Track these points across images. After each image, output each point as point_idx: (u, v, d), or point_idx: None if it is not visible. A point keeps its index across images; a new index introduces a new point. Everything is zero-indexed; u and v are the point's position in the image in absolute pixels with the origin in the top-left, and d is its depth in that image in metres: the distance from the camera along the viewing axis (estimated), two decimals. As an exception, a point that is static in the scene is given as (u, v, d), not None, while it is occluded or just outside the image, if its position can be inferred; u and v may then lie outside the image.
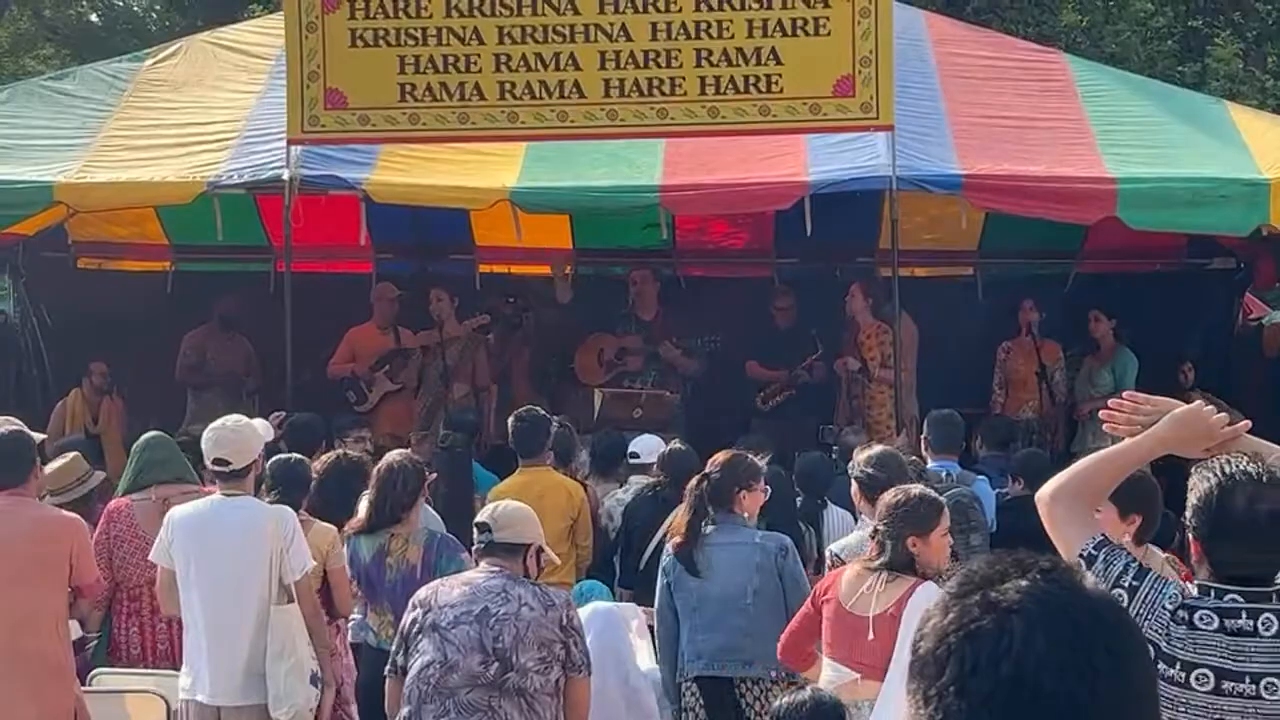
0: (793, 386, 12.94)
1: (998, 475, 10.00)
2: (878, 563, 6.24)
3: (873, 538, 6.40)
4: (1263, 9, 23.50)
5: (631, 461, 9.92)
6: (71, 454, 9.49)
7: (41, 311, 14.43)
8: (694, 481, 7.60)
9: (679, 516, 7.62)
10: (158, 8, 28.56)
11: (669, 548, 7.59)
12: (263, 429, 7.59)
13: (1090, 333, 13.08)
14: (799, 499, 9.28)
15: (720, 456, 7.66)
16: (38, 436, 7.99)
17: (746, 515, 7.56)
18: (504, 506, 6.36)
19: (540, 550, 6.38)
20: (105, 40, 25.79)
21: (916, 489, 6.53)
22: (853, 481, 7.48)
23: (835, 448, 11.41)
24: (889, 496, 6.42)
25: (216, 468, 7.21)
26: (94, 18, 28.96)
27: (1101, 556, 3.88)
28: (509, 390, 13.18)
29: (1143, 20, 21.19)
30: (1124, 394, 4.25)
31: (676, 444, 9.47)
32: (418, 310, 13.20)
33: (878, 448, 7.77)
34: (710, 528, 7.46)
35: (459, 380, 12.91)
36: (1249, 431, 4.10)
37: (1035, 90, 12.48)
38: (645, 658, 7.62)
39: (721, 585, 7.36)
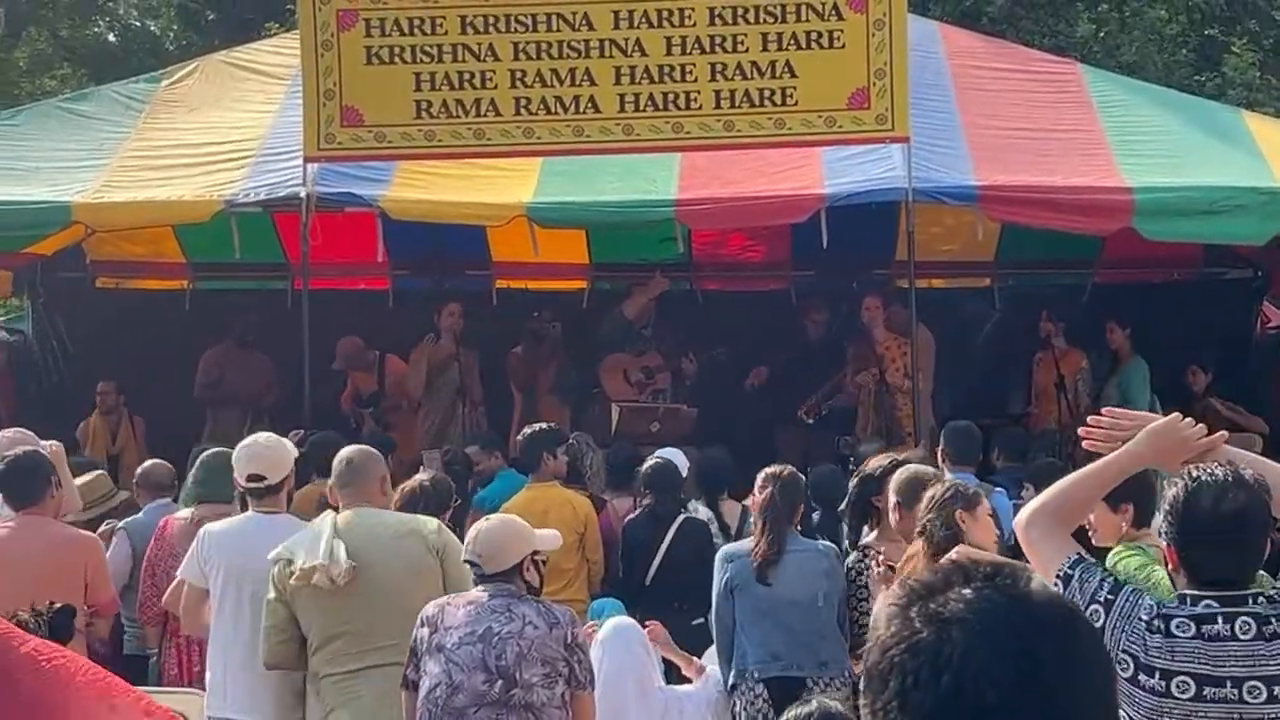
0: (833, 397, 12.93)
1: (1014, 487, 9.98)
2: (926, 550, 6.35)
3: (920, 534, 6.46)
4: (1279, 17, 23.46)
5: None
6: (96, 472, 9.61)
7: (60, 331, 14.48)
8: (765, 498, 7.75)
9: (757, 533, 7.75)
10: (175, 28, 28.61)
11: (750, 560, 7.70)
12: (292, 447, 7.60)
13: (1108, 344, 13.03)
14: (815, 513, 9.30)
15: (779, 474, 7.86)
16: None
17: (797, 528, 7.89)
18: (483, 536, 6.22)
19: (535, 555, 6.34)
20: (122, 61, 25.84)
21: (949, 479, 6.86)
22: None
23: (852, 459, 11.40)
24: (929, 491, 6.56)
25: (250, 484, 7.21)
26: (111, 38, 29.05)
27: (1077, 575, 3.91)
28: (534, 404, 13.19)
29: (1157, 29, 21.15)
30: (1103, 410, 4.27)
31: (656, 459, 9.52)
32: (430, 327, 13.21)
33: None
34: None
35: (472, 396, 12.98)
36: (1262, 440, 4.13)
37: (1051, 101, 12.47)
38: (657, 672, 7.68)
39: (792, 590, 7.61)
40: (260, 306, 13.87)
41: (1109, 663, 1.89)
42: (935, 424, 11.28)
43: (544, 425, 9.79)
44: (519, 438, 9.66)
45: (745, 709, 7.61)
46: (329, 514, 6.86)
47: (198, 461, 8.46)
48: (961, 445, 9.59)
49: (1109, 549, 6.34)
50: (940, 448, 9.62)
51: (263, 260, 13.62)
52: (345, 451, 7.22)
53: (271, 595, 6.73)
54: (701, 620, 8.16)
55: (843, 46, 10.66)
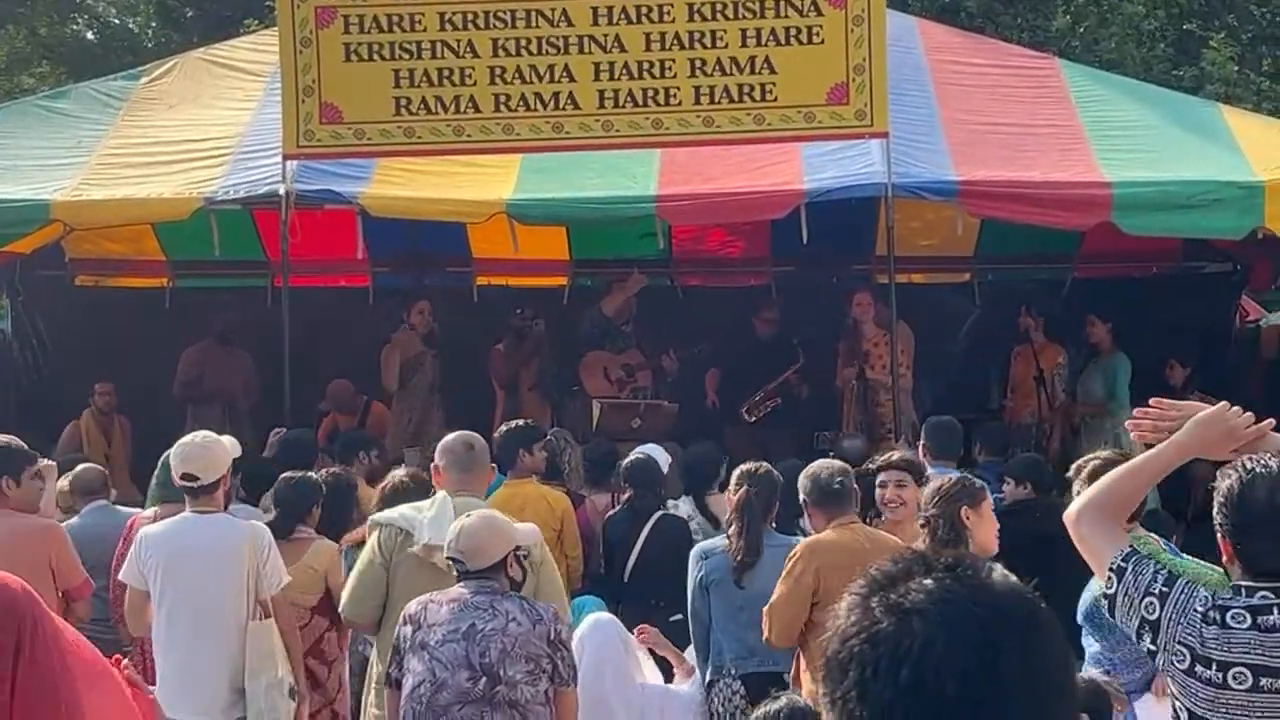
0: (778, 397, 12.93)
1: (995, 481, 10.01)
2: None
3: (923, 528, 6.48)
4: (1257, 11, 23.52)
5: None
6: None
7: (39, 329, 14.44)
8: (741, 498, 7.71)
9: (734, 535, 7.71)
10: (153, 25, 28.55)
11: (726, 558, 7.69)
12: (230, 445, 7.55)
13: (1088, 338, 13.09)
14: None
15: (757, 471, 7.84)
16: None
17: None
18: (466, 533, 6.19)
19: (517, 550, 6.33)
20: (101, 58, 25.78)
21: (953, 474, 6.88)
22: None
23: (832, 454, 11.41)
24: (933, 484, 6.60)
25: (185, 483, 7.21)
26: (90, 36, 28.97)
27: (1130, 567, 3.90)
28: (516, 400, 13.19)
29: (1135, 24, 21.20)
30: (1150, 401, 4.25)
31: (637, 454, 9.52)
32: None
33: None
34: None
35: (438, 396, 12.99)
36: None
37: (1029, 96, 12.49)
38: (648, 671, 7.70)
39: (767, 586, 7.46)
40: (240, 304, 13.85)
41: (1070, 655, 1.88)
42: (917, 419, 11.32)
43: (520, 422, 9.80)
44: (496, 435, 9.66)
45: (723, 705, 7.61)
46: (447, 496, 6.89)
47: (160, 461, 8.43)
48: (943, 440, 9.62)
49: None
50: (921, 442, 9.65)
51: (242, 258, 13.60)
52: (466, 436, 7.26)
53: (377, 560, 6.84)
54: (680, 616, 8.15)
55: (822, 42, 10.68)
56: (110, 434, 13.16)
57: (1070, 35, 20.94)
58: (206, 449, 7.29)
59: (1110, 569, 3.91)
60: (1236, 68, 21.32)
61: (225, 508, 7.45)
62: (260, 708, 6.97)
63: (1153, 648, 3.86)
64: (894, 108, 10.91)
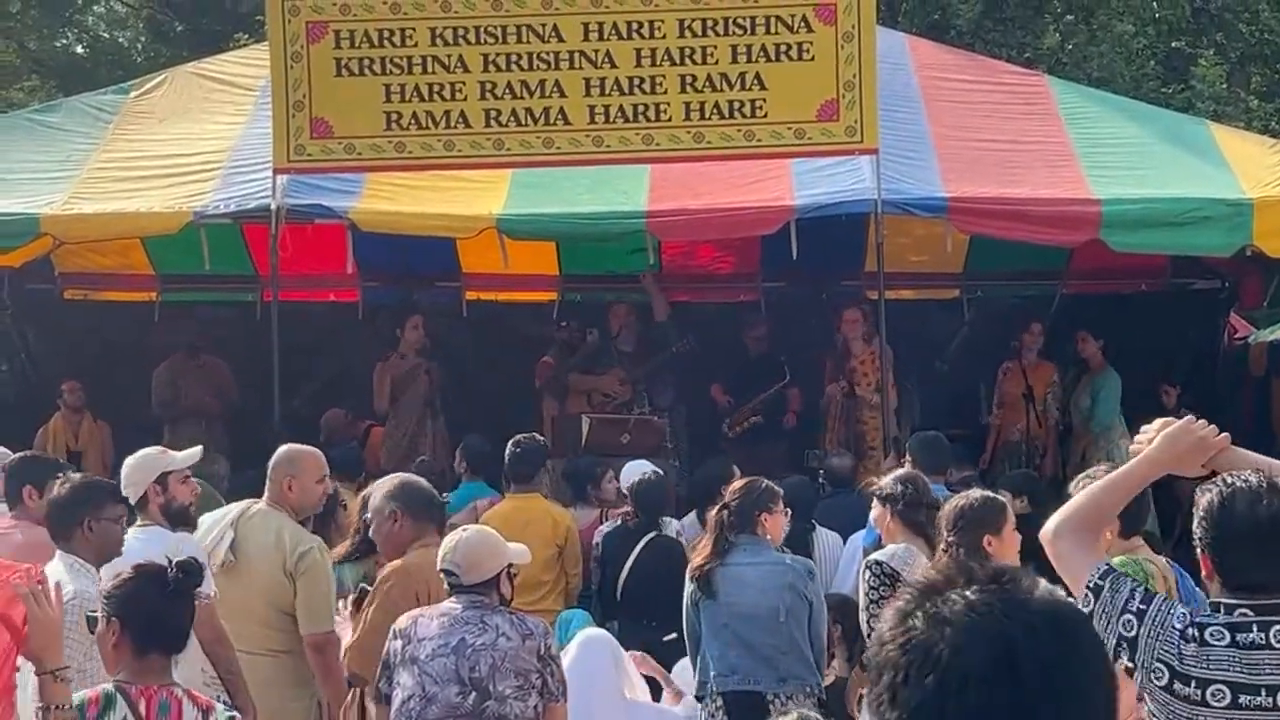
0: (759, 413, 12.92)
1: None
2: None
3: (945, 551, 6.41)
4: (1246, 30, 23.57)
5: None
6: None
7: (28, 343, 14.41)
8: (714, 511, 7.66)
9: (701, 542, 7.70)
10: (143, 40, 28.51)
11: (690, 572, 7.63)
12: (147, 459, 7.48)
13: (1079, 354, 13.09)
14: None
15: (737, 483, 7.80)
16: None
17: (769, 538, 7.63)
18: (462, 547, 6.18)
19: (509, 568, 6.32)
20: (91, 72, 25.71)
21: (975, 493, 6.71)
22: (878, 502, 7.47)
23: (822, 471, 11.41)
24: (952, 505, 6.52)
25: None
26: (79, 50, 28.90)
27: (1108, 585, 3.90)
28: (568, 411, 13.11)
29: (1125, 41, 21.24)
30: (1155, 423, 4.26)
31: (647, 475, 9.46)
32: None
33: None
34: (736, 550, 7.54)
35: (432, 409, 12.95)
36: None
37: (1019, 113, 12.52)
38: (639, 690, 7.67)
39: (754, 603, 7.46)
40: (229, 318, 13.84)
41: (1105, 674, 1.89)
42: (902, 435, 11.32)
43: (536, 436, 9.78)
44: (510, 447, 9.53)
45: None
46: (240, 503, 7.32)
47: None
48: (931, 456, 9.56)
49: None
50: (908, 459, 9.61)
51: (232, 272, 13.58)
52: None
53: None
54: (674, 636, 8.11)
55: (812, 59, 10.69)
56: (79, 431, 13.11)
57: (1059, 53, 20.96)
58: (125, 466, 7.28)
59: (1088, 587, 3.92)
60: (1225, 85, 21.35)
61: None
62: None
63: (1130, 665, 3.87)
64: (884, 124, 10.93)
